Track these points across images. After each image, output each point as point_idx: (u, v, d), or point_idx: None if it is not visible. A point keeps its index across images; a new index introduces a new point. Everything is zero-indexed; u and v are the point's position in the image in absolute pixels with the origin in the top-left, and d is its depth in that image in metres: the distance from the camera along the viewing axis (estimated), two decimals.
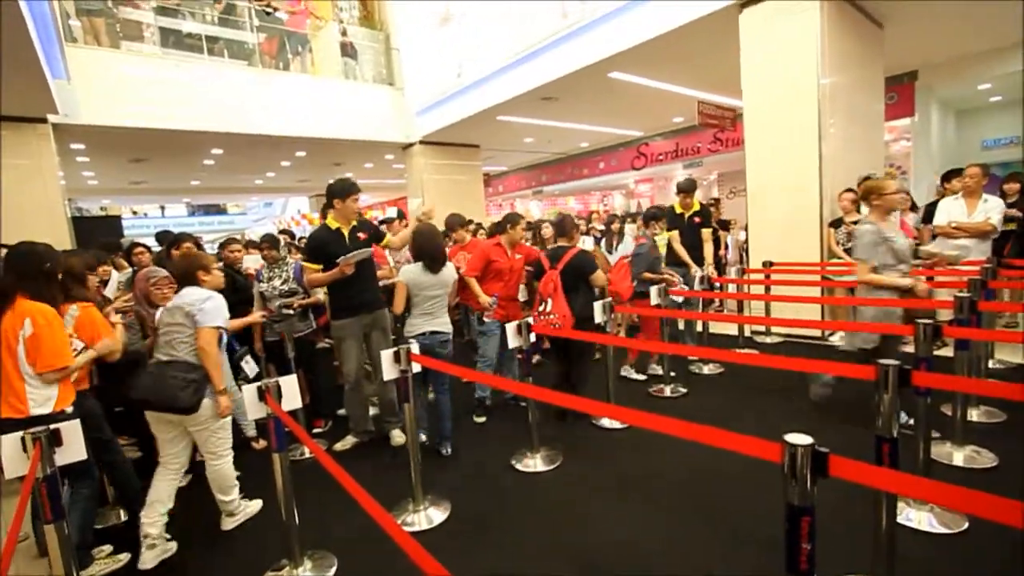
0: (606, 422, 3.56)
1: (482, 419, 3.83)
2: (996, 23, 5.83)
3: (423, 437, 3.34)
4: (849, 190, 4.81)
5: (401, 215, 5.91)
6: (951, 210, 4.31)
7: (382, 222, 6.06)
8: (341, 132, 9.17)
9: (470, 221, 6.11)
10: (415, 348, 2.66)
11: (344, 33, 9.77)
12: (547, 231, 5.28)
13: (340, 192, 3.29)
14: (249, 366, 3.19)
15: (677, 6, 5.35)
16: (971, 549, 2.06)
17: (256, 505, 2.79)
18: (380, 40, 10.27)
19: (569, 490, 2.79)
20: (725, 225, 7.79)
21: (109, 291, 3.85)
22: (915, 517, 2.22)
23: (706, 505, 2.53)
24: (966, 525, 2.16)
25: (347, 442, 3.52)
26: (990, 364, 4.03)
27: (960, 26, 5.98)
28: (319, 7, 10.20)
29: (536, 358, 4.77)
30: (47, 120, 6.39)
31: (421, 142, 10.10)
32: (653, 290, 3.92)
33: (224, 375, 2.65)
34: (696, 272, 4.65)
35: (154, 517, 2.38)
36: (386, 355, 2.58)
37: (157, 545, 2.36)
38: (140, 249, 4.14)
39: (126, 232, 10.92)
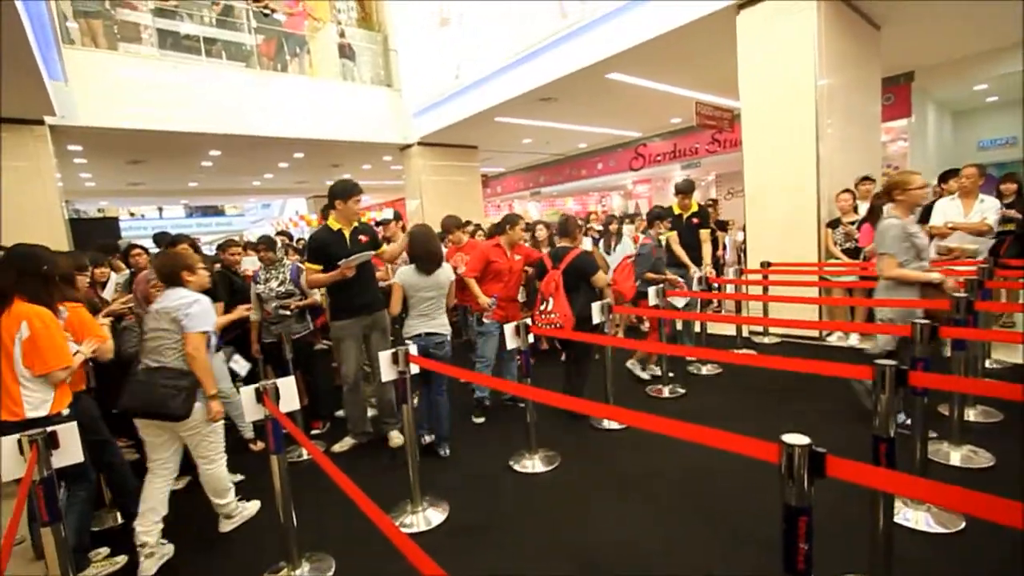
0: (605, 422, 3.56)
1: (480, 420, 3.83)
2: (992, 24, 5.86)
3: (427, 438, 3.33)
4: (847, 191, 4.83)
5: (398, 216, 5.90)
6: (947, 211, 4.32)
7: (378, 223, 6.05)
8: (339, 133, 9.16)
9: (468, 222, 6.12)
10: (413, 349, 2.65)
11: (342, 34, 9.76)
12: (541, 233, 5.31)
13: (342, 193, 3.27)
14: (238, 364, 3.17)
15: (675, 7, 5.37)
16: (968, 549, 2.06)
17: (254, 507, 2.78)
18: (378, 41, 10.26)
19: (568, 491, 2.79)
20: (723, 226, 7.78)
21: (108, 293, 3.84)
22: (912, 517, 2.22)
23: (705, 505, 2.53)
24: (963, 525, 2.17)
25: (345, 443, 3.52)
26: (987, 364, 4.05)
27: (956, 27, 6.00)
28: (317, 8, 10.19)
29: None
30: (44, 122, 6.36)
31: (419, 143, 10.10)
32: (651, 291, 3.93)
33: (217, 377, 2.63)
34: (694, 273, 4.66)
35: (148, 526, 2.35)
36: (384, 356, 2.58)
37: (155, 553, 2.34)
38: (137, 251, 4.12)
39: (124, 234, 10.88)
